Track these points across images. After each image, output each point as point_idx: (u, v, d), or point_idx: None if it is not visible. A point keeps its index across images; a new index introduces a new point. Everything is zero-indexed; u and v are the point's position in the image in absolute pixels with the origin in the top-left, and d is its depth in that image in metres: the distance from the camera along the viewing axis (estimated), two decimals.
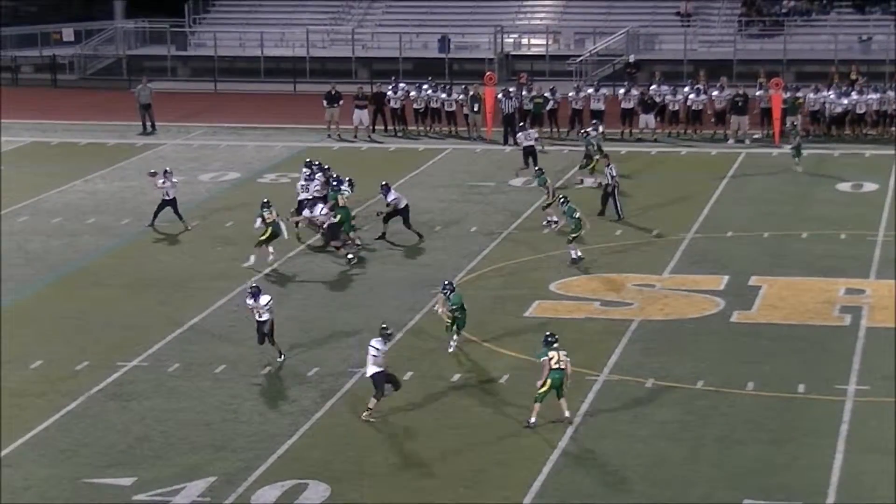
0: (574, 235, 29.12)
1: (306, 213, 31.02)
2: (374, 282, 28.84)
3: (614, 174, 33.15)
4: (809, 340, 25.12)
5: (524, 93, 43.53)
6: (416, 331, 25.74)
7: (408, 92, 44.21)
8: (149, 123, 45.37)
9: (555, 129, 43.22)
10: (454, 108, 44.02)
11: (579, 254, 29.24)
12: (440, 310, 24.42)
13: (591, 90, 43.98)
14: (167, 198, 32.69)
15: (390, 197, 31.60)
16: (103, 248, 31.92)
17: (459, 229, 32.84)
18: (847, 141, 41.67)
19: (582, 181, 36.61)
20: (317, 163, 33.27)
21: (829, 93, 42.66)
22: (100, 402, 22.57)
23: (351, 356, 24.33)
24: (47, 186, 37.49)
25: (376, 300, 27.55)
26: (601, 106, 43.29)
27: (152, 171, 34.03)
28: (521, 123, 40.21)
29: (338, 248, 30.32)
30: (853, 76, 45.72)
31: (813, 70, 49.71)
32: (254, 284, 24.63)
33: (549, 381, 20.98)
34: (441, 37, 54.42)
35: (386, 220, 31.71)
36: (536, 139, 38.35)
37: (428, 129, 44.37)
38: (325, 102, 43.85)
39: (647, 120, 42.50)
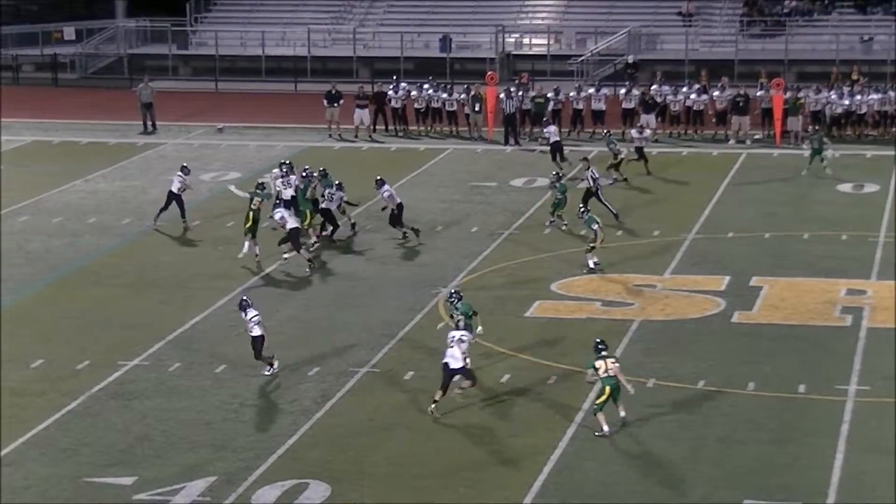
0: (592, 245, 28.94)
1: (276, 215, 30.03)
2: (375, 282, 28.82)
3: (595, 176, 33.00)
4: (810, 341, 25.12)
5: (522, 93, 43.51)
6: (417, 330, 25.73)
7: (409, 91, 44.21)
8: (149, 123, 45.36)
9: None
10: (455, 107, 44.00)
11: (596, 262, 29.01)
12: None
13: (592, 90, 43.97)
14: (179, 193, 32.58)
15: (384, 191, 31.47)
16: (104, 247, 31.91)
17: (460, 229, 32.82)
18: (848, 141, 41.63)
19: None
20: (287, 162, 33.21)
21: (831, 93, 42.65)
22: (100, 402, 22.57)
23: (351, 356, 24.33)
24: (48, 186, 37.48)
25: (377, 300, 27.53)
26: (602, 106, 43.28)
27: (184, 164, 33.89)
28: (546, 119, 40.57)
29: (296, 251, 29.46)
30: (854, 76, 45.72)
31: (814, 70, 49.70)
32: (244, 297, 24.05)
33: (607, 388, 20.82)
34: (442, 36, 54.40)
35: (392, 222, 31.58)
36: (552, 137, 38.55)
37: (429, 128, 44.36)
38: (325, 102, 43.85)
39: (648, 120, 42.45)
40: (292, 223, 29.38)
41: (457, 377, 21.70)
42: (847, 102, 42.23)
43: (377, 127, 44.16)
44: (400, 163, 39.92)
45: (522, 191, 36.62)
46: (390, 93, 44.31)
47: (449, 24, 56.01)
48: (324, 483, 19.46)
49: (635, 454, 20.41)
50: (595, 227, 28.68)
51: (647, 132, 38.86)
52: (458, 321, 22.69)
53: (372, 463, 20.21)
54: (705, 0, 55.81)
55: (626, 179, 36.84)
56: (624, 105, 43.24)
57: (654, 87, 43.66)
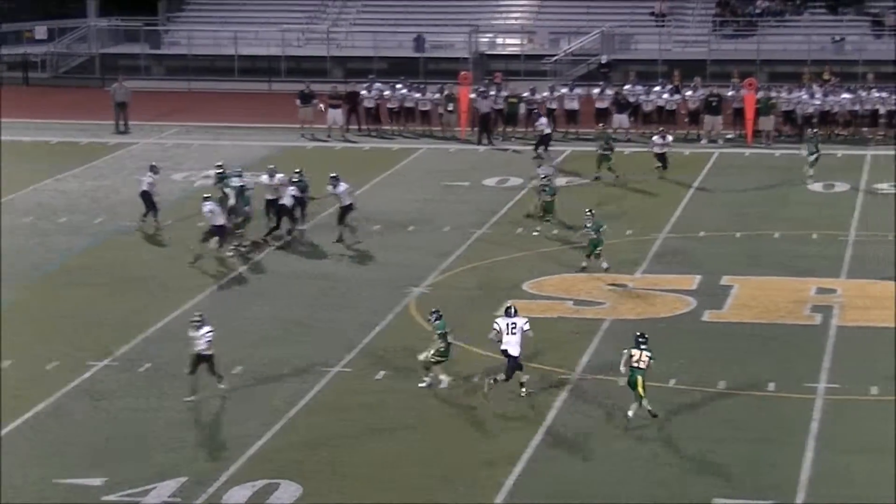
0: (599, 249, 28.92)
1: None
2: (350, 282, 28.80)
3: (542, 175, 33.00)
4: (780, 339, 25.23)
5: (495, 92, 43.52)
6: (388, 330, 25.73)
7: (382, 91, 44.18)
8: (122, 123, 45.16)
9: (530, 129, 43.22)
10: (429, 107, 44.01)
11: (607, 265, 28.97)
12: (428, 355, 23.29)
13: (565, 90, 44.06)
14: (149, 191, 32.50)
15: (339, 189, 31.30)
16: (76, 247, 31.79)
17: (433, 228, 32.84)
18: (819, 141, 41.72)
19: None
20: (271, 166, 33.02)
21: (802, 93, 42.81)
22: (70, 402, 22.48)
23: (323, 356, 24.30)
24: (19, 185, 37.30)
25: (351, 300, 27.52)
26: (576, 105, 43.38)
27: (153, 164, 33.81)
28: (536, 112, 41.27)
29: (220, 246, 29.76)
30: (826, 76, 45.92)
31: (786, 70, 49.88)
32: (198, 315, 23.00)
33: (639, 378, 21.11)
34: (416, 36, 54.41)
35: (340, 220, 31.37)
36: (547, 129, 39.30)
37: (402, 128, 44.36)
38: (298, 102, 43.78)
39: (621, 120, 42.57)
40: (219, 220, 29.54)
41: (518, 372, 22.13)
42: (818, 102, 42.41)
43: (350, 126, 44.13)
44: (373, 162, 39.90)
45: (495, 190, 36.65)
46: (363, 92, 44.30)
47: (422, 23, 55.99)
48: (294, 483, 19.43)
49: (605, 453, 20.45)
50: (602, 228, 28.76)
51: (670, 138, 38.47)
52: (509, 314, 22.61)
53: (343, 463, 20.19)
54: (678, 0, 55.97)
55: (598, 178, 37.00)
56: (597, 105, 43.35)
57: (626, 86, 43.77)
